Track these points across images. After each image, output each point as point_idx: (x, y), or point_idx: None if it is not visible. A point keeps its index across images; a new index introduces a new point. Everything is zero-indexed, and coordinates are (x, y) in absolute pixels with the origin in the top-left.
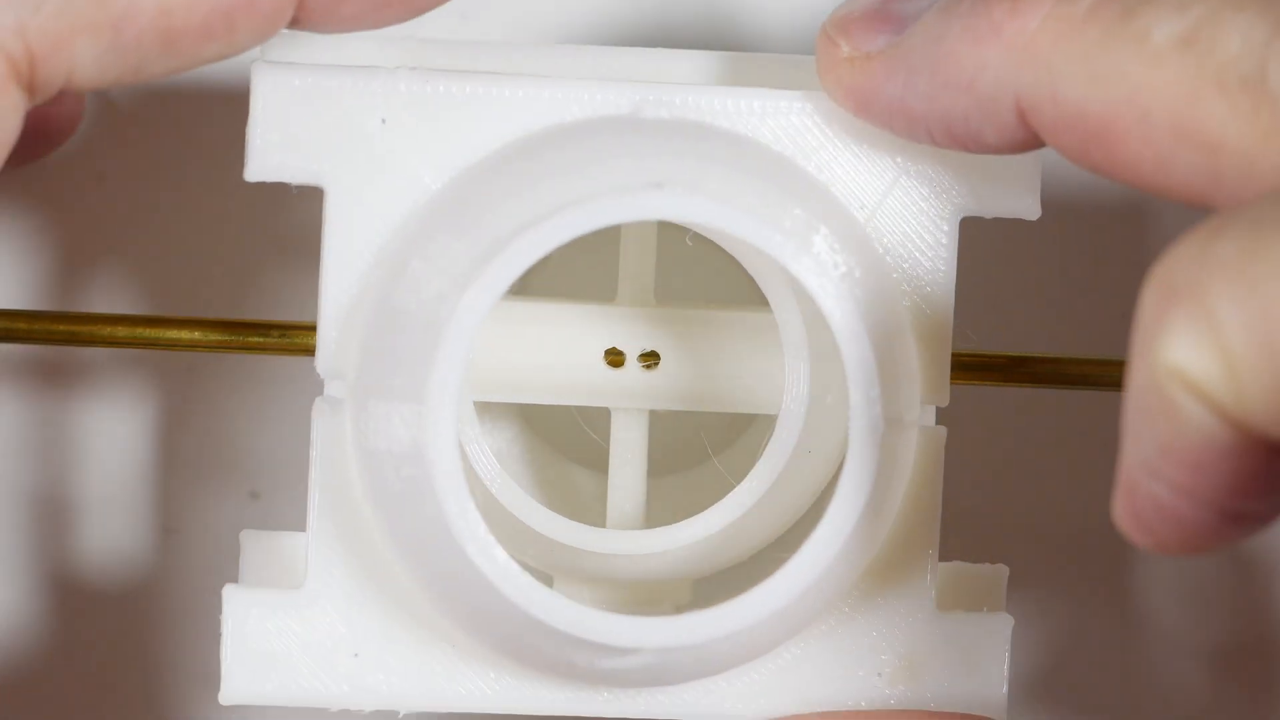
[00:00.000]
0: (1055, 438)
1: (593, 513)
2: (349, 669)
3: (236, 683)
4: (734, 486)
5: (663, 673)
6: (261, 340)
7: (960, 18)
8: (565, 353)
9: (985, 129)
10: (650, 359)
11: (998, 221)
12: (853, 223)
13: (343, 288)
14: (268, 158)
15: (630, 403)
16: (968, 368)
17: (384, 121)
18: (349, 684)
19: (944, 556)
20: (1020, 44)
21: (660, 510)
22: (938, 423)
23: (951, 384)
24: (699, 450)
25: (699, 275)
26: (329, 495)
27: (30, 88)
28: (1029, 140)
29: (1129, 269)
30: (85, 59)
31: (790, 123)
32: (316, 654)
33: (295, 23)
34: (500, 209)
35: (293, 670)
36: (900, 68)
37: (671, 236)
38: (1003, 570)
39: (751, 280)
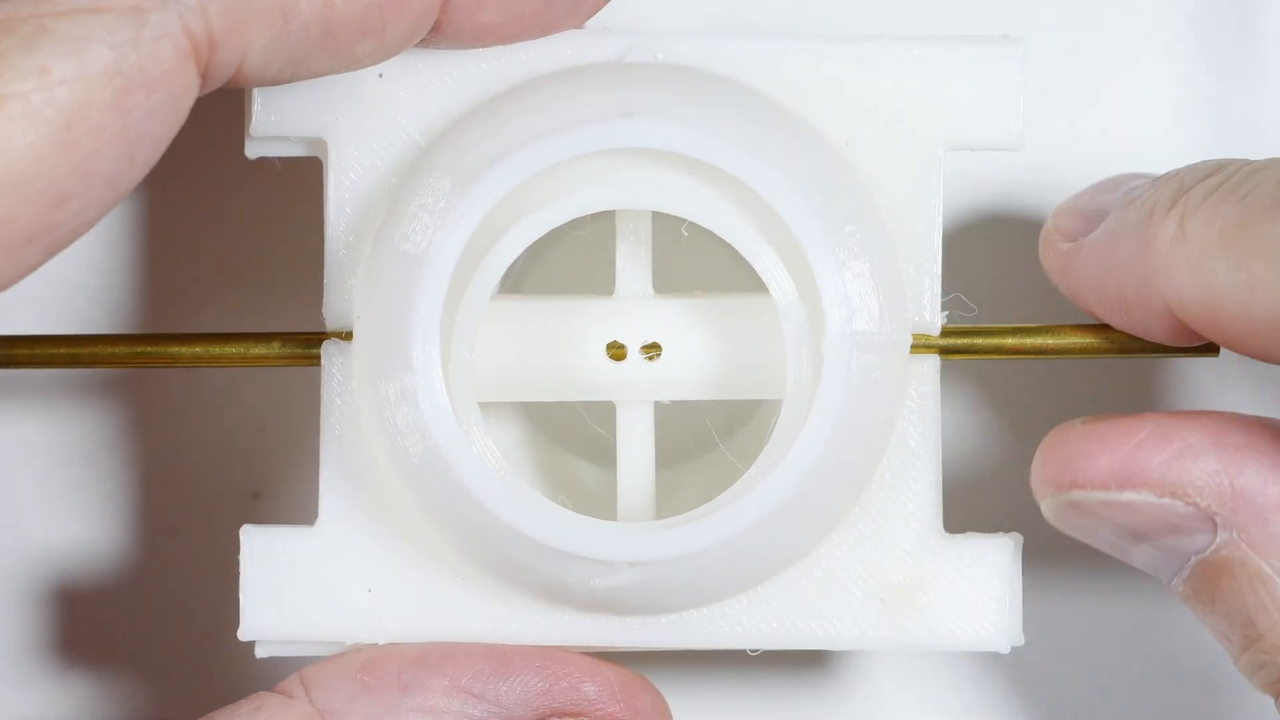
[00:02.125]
0: (1062, 406)
1: (602, 507)
2: (362, 604)
3: (255, 619)
4: (742, 473)
5: (660, 596)
6: (264, 352)
7: (1124, 230)
8: (567, 349)
9: (1150, 324)
10: (652, 350)
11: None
12: (833, 155)
13: (345, 235)
14: (272, 115)
15: (635, 395)
16: (966, 337)
17: (381, 76)
18: (363, 618)
19: (956, 529)
20: (1160, 259)
21: (669, 501)
22: (942, 392)
23: (948, 359)
24: (704, 440)
25: (696, 266)
26: (338, 436)
27: (205, 73)
28: (1187, 333)
29: None
30: (256, 47)
31: (772, 64)
32: (331, 589)
33: (436, 30)
34: (480, 146)
35: (309, 606)
36: (1086, 263)
37: (667, 229)
38: (1017, 539)
39: (748, 266)
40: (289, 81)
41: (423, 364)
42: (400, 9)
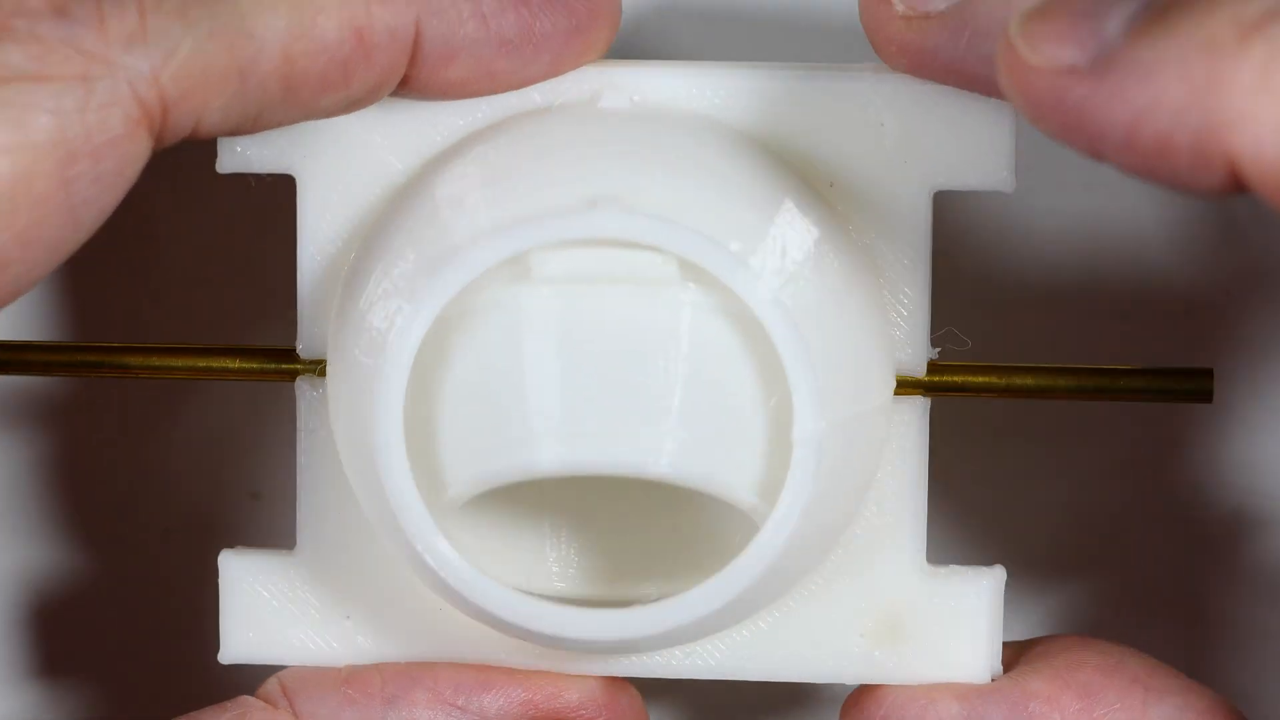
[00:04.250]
0: (1047, 438)
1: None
2: (341, 630)
3: (235, 643)
4: None
5: (635, 645)
6: (242, 367)
7: (1164, 65)
8: None
9: (1202, 179)
10: None
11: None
12: (814, 204)
13: (317, 274)
14: (238, 148)
15: None
16: (953, 374)
17: None
18: (342, 645)
19: (939, 560)
20: (1235, 111)
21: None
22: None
23: (937, 398)
24: None
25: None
26: (315, 468)
27: (159, 135)
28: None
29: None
30: (212, 107)
31: (754, 102)
32: (310, 616)
33: (405, 84)
34: (441, 222)
35: (288, 631)
36: (965, 30)
37: None
38: (999, 572)
39: None
40: (250, 133)
41: (389, 466)
42: (365, 63)
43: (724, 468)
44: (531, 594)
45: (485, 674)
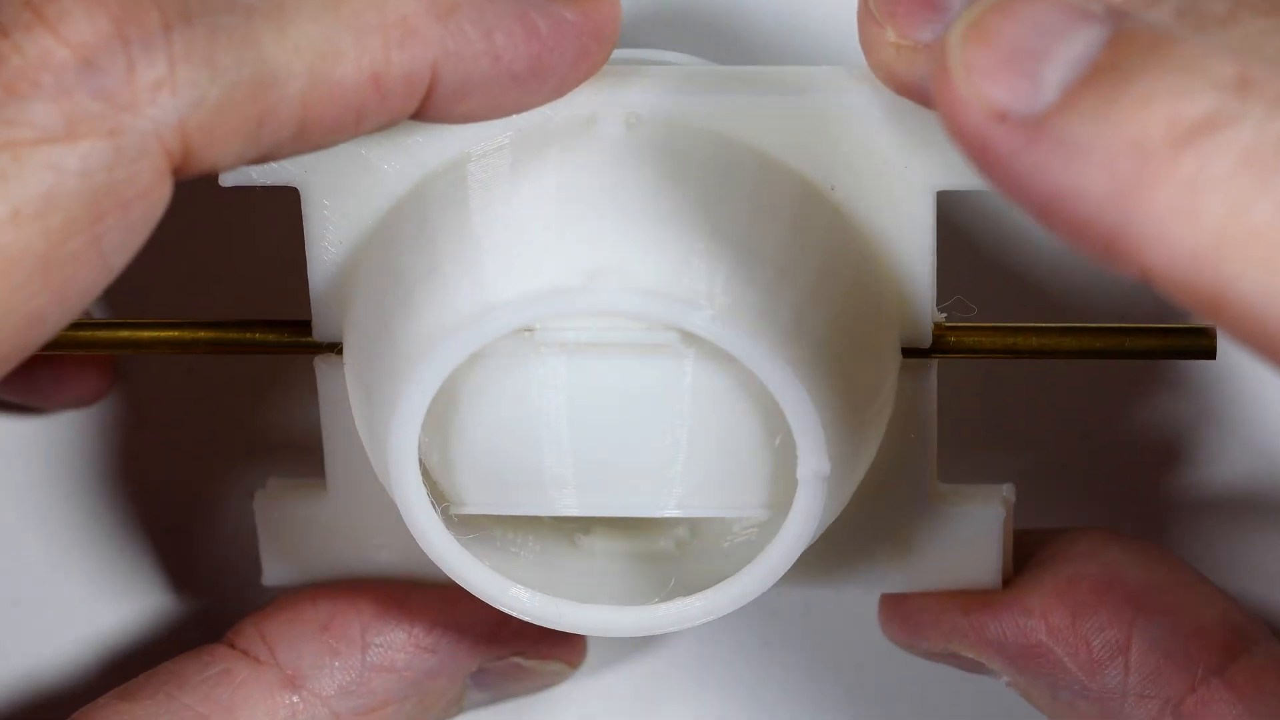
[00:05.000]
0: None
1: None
2: (374, 559)
3: (275, 568)
4: None
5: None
6: (264, 337)
7: (1091, 156)
8: None
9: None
10: None
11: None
12: (813, 218)
13: (329, 274)
14: (239, 170)
15: None
16: (963, 335)
17: None
18: (378, 570)
19: (950, 478)
20: (1161, 225)
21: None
22: None
23: (945, 360)
24: None
25: None
26: (339, 421)
27: (177, 174)
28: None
29: None
30: (229, 149)
31: (752, 115)
32: (345, 545)
33: (413, 114)
34: (446, 281)
35: (324, 558)
36: (1046, 167)
37: None
38: (1009, 489)
39: None
40: (255, 164)
41: (404, 491)
42: (378, 107)
43: (731, 498)
44: (550, 598)
45: (455, 606)
